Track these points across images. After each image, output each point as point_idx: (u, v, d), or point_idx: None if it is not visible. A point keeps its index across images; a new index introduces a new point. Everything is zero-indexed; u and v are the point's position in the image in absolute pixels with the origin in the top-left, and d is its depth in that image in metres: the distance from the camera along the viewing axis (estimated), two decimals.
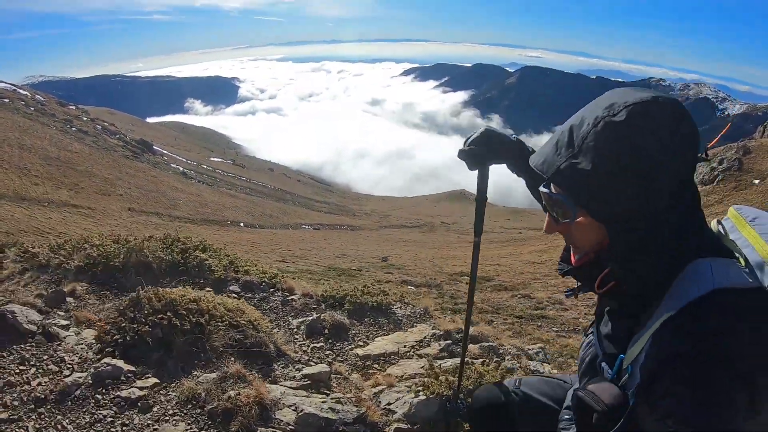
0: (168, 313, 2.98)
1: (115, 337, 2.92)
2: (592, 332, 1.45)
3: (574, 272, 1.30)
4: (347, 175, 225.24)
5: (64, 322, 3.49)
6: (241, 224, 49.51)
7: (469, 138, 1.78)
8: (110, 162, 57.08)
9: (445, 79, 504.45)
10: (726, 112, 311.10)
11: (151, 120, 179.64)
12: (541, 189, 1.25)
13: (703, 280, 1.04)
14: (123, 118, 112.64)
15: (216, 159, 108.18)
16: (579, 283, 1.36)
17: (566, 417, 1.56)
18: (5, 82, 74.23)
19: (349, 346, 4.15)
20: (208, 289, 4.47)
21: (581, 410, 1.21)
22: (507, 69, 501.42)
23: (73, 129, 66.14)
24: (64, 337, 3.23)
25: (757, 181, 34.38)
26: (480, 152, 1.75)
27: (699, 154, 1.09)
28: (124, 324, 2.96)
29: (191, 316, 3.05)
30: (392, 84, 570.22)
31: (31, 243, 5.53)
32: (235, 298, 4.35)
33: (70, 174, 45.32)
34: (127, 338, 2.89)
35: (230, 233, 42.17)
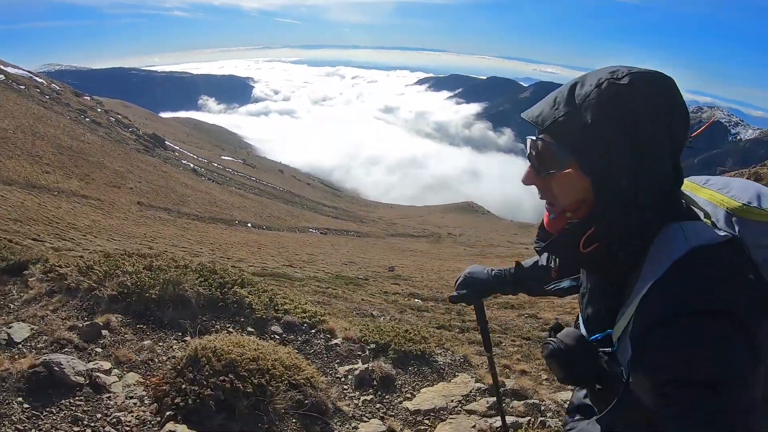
0: (230, 375, 2.87)
1: (176, 400, 2.79)
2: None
3: (553, 244, 1.27)
4: (358, 180, 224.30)
5: (107, 365, 3.36)
6: (249, 225, 49.43)
7: (456, 282, 2.07)
8: (122, 154, 57.28)
9: (459, 90, 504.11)
10: (739, 137, 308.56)
11: (164, 115, 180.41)
12: (531, 138, 1.26)
13: (678, 241, 1.08)
14: (137, 112, 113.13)
15: (227, 158, 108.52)
16: (557, 264, 1.44)
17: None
18: (22, 69, 74.75)
19: (398, 399, 4.11)
20: (250, 329, 4.37)
21: (543, 346, 1.32)
22: (521, 83, 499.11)
23: (87, 119, 66.51)
24: (111, 385, 3.11)
25: None
26: (467, 294, 2.02)
27: (689, 136, 1.16)
28: (184, 386, 2.83)
29: (253, 378, 2.94)
30: (406, 92, 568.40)
31: (56, 260, 5.42)
32: (278, 340, 4.25)
33: (81, 164, 45.39)
34: (189, 401, 2.76)
35: (238, 233, 42.10)
